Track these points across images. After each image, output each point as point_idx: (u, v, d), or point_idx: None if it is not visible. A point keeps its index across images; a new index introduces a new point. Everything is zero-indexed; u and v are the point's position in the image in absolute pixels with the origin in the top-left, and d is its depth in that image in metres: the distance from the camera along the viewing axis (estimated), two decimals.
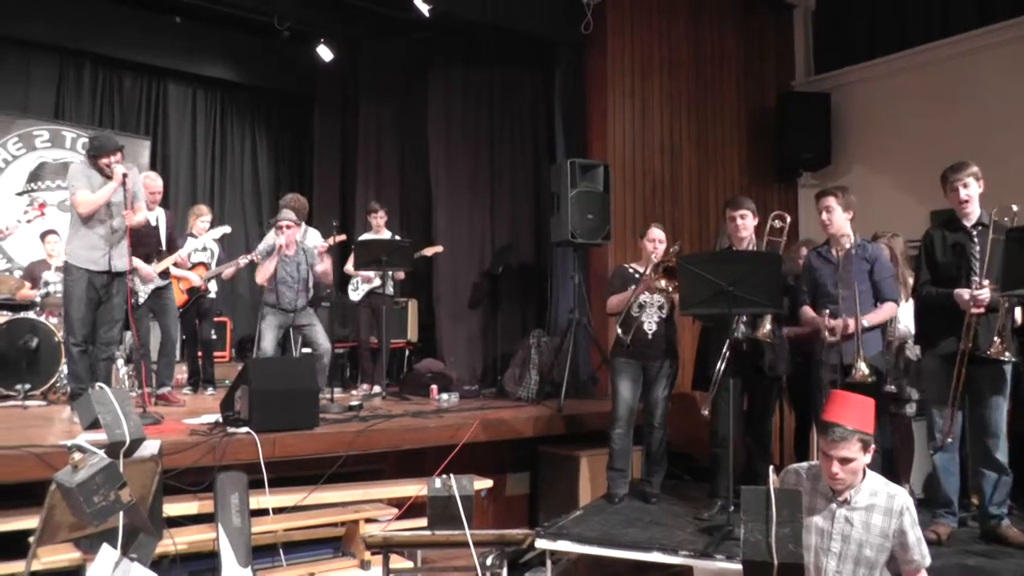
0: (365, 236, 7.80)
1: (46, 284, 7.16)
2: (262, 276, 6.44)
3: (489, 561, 4.22)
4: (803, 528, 2.77)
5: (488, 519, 6.01)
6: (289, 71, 10.36)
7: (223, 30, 9.99)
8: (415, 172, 9.34)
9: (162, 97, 10.34)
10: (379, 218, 7.82)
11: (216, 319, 8.06)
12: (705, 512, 4.80)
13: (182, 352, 7.47)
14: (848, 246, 4.57)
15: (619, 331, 5.15)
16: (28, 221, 7.04)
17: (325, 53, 9.42)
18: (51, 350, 6.63)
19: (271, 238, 6.73)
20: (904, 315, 5.06)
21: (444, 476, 3.91)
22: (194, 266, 7.12)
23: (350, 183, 9.85)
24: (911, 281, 4.80)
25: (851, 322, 4.39)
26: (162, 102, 10.34)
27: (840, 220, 4.64)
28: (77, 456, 2.90)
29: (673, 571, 4.46)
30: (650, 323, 5.17)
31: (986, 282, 4.09)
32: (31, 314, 6.87)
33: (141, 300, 6.33)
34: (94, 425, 3.39)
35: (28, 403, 6.29)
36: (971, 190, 4.25)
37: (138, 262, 5.97)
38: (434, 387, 7.26)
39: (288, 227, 6.47)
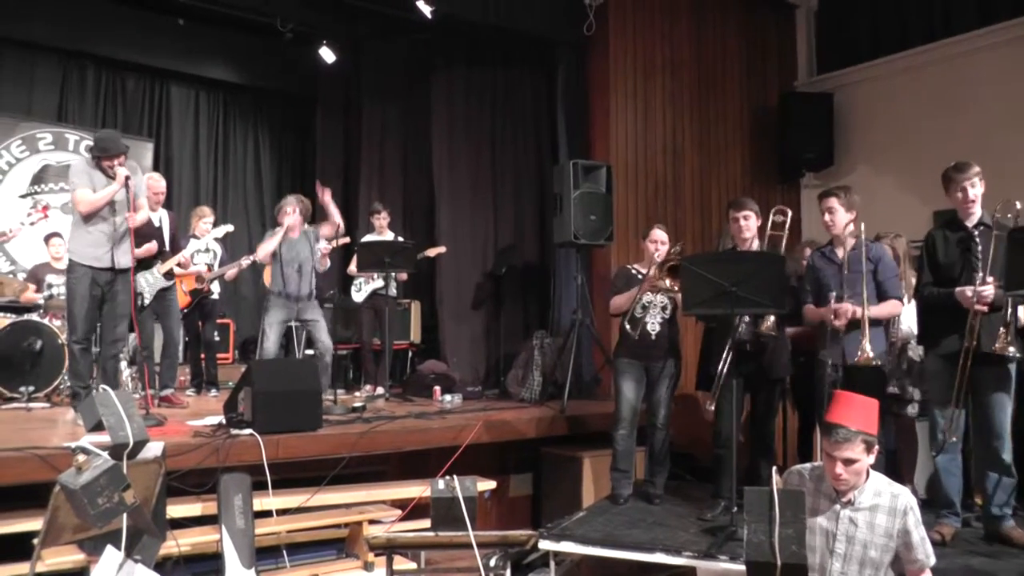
0: (368, 237, 7.81)
1: (50, 286, 7.18)
2: (263, 252, 6.47)
3: (492, 562, 4.22)
4: (807, 529, 2.77)
5: (491, 520, 6.00)
6: (291, 72, 10.38)
7: (225, 31, 10.01)
8: (418, 173, 9.34)
9: (165, 99, 10.39)
10: (382, 219, 7.83)
11: (219, 321, 8.08)
12: (708, 513, 4.79)
13: (185, 354, 7.48)
14: (852, 243, 4.56)
15: (627, 327, 5.15)
16: (32, 224, 7.04)
17: (327, 54, 9.42)
18: (55, 352, 6.64)
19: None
20: (907, 316, 5.05)
21: (447, 477, 3.92)
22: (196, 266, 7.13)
23: (353, 184, 9.85)
24: (914, 281, 4.79)
25: (857, 309, 4.37)
26: (165, 104, 10.39)
27: (843, 220, 4.64)
28: (81, 458, 2.90)
29: (676, 572, 4.45)
30: (653, 323, 5.17)
31: (990, 279, 4.08)
32: (35, 316, 6.88)
33: (146, 302, 6.35)
34: (98, 427, 3.39)
35: (32, 405, 6.29)
36: (977, 190, 4.24)
37: (138, 249, 5.93)
38: (437, 388, 7.27)
39: (293, 209, 6.48)
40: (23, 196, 9.01)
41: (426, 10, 7.64)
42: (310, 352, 6.82)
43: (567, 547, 4.46)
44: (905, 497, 3.07)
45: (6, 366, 6.50)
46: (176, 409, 6.09)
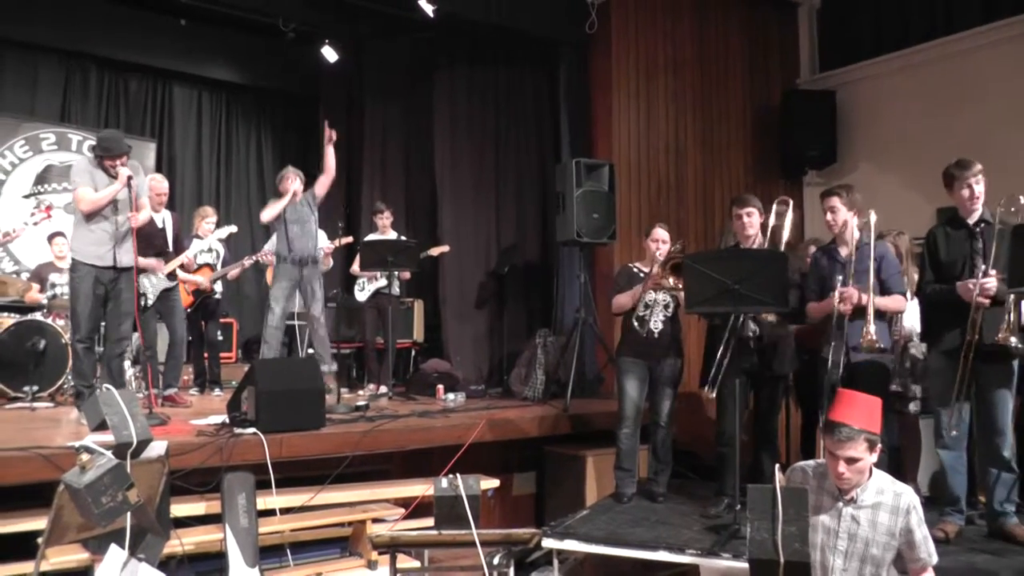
0: (371, 237, 7.82)
1: (53, 286, 7.20)
2: (269, 215, 6.56)
3: (496, 560, 4.23)
4: (809, 526, 2.77)
5: (495, 519, 6.01)
6: (294, 72, 10.39)
7: (228, 32, 10.02)
8: (420, 172, 9.34)
9: (167, 99, 10.40)
10: (384, 219, 7.83)
11: (222, 320, 8.08)
12: (712, 511, 4.79)
13: (188, 353, 7.49)
14: (857, 238, 4.56)
15: (636, 326, 5.15)
16: (35, 224, 7.05)
17: (330, 54, 9.43)
18: (58, 352, 6.65)
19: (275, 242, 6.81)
20: (909, 314, 5.05)
21: (450, 476, 3.92)
22: (200, 267, 7.14)
23: (355, 184, 9.85)
24: (916, 278, 4.79)
25: (863, 295, 4.37)
26: (167, 104, 10.40)
27: (844, 219, 4.63)
28: (85, 457, 2.92)
29: (680, 570, 4.46)
30: (656, 322, 5.17)
31: (992, 272, 4.07)
32: (38, 316, 6.90)
33: (150, 302, 6.36)
34: (101, 426, 3.40)
35: (36, 405, 6.31)
36: (981, 187, 4.23)
37: (144, 259, 6.00)
38: (440, 387, 7.27)
39: (294, 177, 6.61)
40: (26, 196, 9.02)
41: (428, 9, 7.64)
42: (312, 351, 6.83)
43: (570, 545, 4.46)
44: (908, 496, 3.06)
45: (10, 366, 6.51)
46: (180, 408, 6.10)
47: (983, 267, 4.13)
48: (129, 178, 5.30)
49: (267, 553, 4.60)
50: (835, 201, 4.64)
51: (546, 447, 6.35)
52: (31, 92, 9.35)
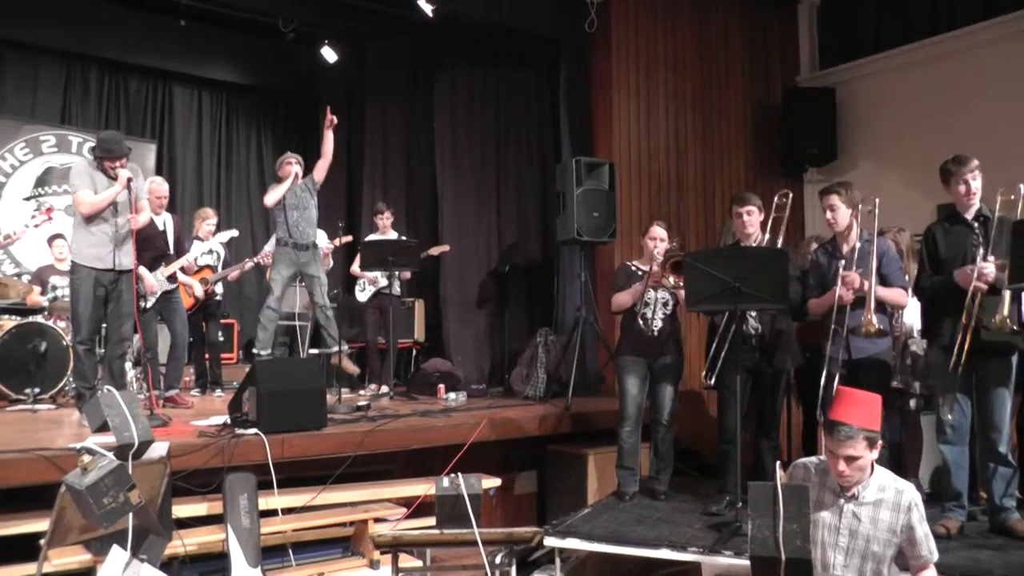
0: (371, 237, 7.82)
1: (54, 288, 7.21)
2: (272, 198, 6.56)
3: (498, 559, 4.23)
4: (811, 523, 2.77)
5: (497, 518, 6.02)
6: (294, 72, 10.40)
7: (227, 32, 10.03)
8: (421, 172, 9.35)
9: (167, 100, 10.40)
10: (385, 219, 7.83)
11: (223, 321, 8.10)
12: (714, 508, 4.79)
13: (189, 354, 7.49)
14: (857, 235, 4.56)
15: (641, 324, 5.16)
16: (36, 226, 7.06)
17: (329, 54, 9.44)
18: (60, 354, 6.66)
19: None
20: (909, 311, 5.05)
21: (452, 475, 3.92)
22: (200, 269, 7.14)
23: (356, 184, 9.87)
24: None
25: (865, 282, 4.37)
26: (167, 105, 10.40)
27: (844, 217, 4.63)
28: (86, 458, 2.92)
29: (682, 568, 4.46)
30: (655, 320, 5.18)
31: (991, 258, 4.07)
32: (39, 318, 6.91)
33: (150, 303, 6.36)
34: (103, 428, 3.41)
35: (37, 407, 6.32)
36: (978, 183, 4.24)
37: (143, 271, 6.03)
38: (441, 386, 7.28)
39: (295, 161, 6.67)
40: (27, 199, 9.03)
41: (427, 9, 7.65)
42: (314, 352, 6.85)
43: (572, 544, 4.47)
44: (910, 493, 3.06)
45: (11, 368, 6.52)
46: (181, 409, 6.11)
47: (982, 251, 4.13)
48: (129, 180, 5.30)
49: (269, 553, 4.60)
50: (834, 199, 4.63)
51: (548, 446, 6.35)
52: (31, 94, 9.36)
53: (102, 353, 5.91)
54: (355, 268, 7.91)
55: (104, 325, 5.69)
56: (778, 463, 3.02)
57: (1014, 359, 4.19)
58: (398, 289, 7.72)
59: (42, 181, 9.15)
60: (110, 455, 3.00)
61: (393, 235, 7.81)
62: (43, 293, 7.27)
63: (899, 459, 5.00)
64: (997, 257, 4.05)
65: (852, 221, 4.64)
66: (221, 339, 7.78)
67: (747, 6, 9.11)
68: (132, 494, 2.94)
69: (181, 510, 4.33)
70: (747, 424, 5.00)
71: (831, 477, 3.11)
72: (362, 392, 7.59)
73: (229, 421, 5.01)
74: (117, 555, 3.08)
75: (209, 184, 10.60)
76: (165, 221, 6.67)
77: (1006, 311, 3.93)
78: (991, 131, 7.36)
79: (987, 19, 7.82)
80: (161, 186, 6.70)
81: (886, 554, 3.04)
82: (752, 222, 4.94)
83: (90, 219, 5.34)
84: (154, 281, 6.33)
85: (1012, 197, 4.12)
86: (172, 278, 6.50)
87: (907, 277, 4.84)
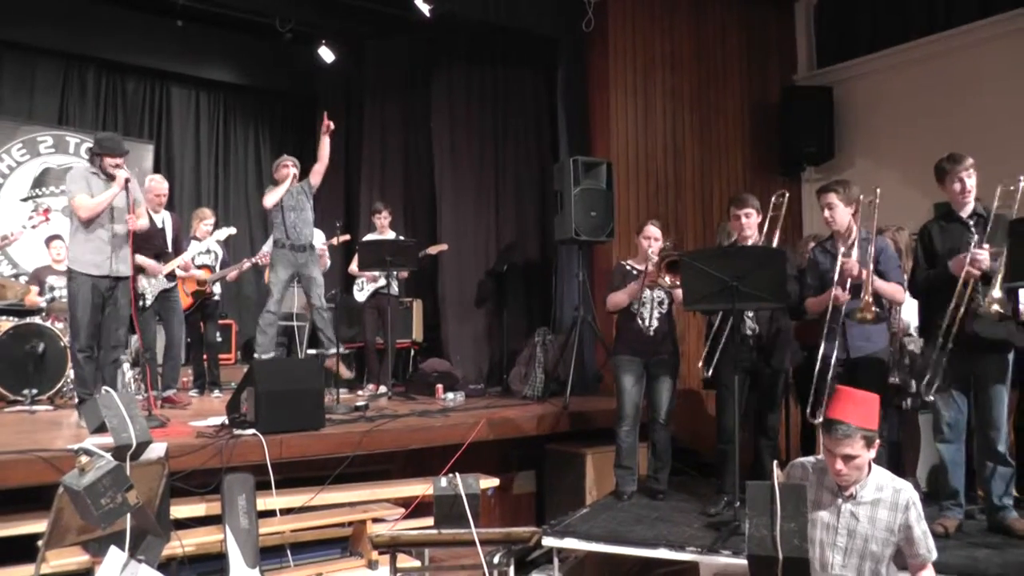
0: (369, 236, 7.82)
1: (51, 289, 7.21)
2: (271, 200, 6.64)
3: (496, 559, 4.24)
4: (809, 522, 2.77)
5: (495, 517, 6.02)
6: (292, 72, 10.39)
7: (225, 33, 10.02)
8: (419, 172, 9.35)
9: (165, 100, 10.39)
10: (383, 218, 7.83)
11: (221, 322, 8.10)
12: (712, 508, 4.79)
13: (187, 355, 7.49)
14: (855, 234, 4.57)
15: (641, 324, 5.16)
16: (33, 227, 7.05)
17: (327, 54, 9.44)
18: (57, 355, 6.66)
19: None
20: (905, 309, 5.05)
21: (450, 475, 3.92)
22: (198, 269, 7.13)
23: (354, 183, 9.87)
24: None
25: (864, 271, 4.37)
26: (165, 105, 10.39)
27: (843, 215, 4.63)
28: (84, 459, 2.92)
29: (680, 567, 4.46)
30: (651, 319, 5.18)
31: (986, 245, 4.07)
32: (37, 319, 6.90)
33: (148, 303, 6.36)
34: (101, 429, 3.41)
35: (35, 408, 6.31)
36: (973, 181, 4.24)
37: (144, 259, 6.03)
38: (440, 386, 7.27)
39: (291, 163, 6.76)
40: (24, 199, 9.02)
41: (424, 8, 7.65)
42: (312, 352, 6.85)
43: (571, 543, 4.47)
44: (907, 492, 3.06)
45: (9, 369, 6.52)
46: (179, 410, 6.10)
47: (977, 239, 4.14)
48: (127, 180, 5.30)
49: (267, 554, 4.60)
50: (832, 198, 4.63)
51: (546, 445, 6.35)
52: (28, 95, 9.35)
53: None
54: (353, 268, 7.91)
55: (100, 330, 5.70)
56: (775, 462, 3.02)
57: (1010, 355, 4.19)
58: (396, 289, 7.72)
59: (39, 182, 9.14)
60: (108, 456, 2.99)
61: (391, 235, 7.81)
62: (40, 294, 7.27)
63: (897, 458, 5.00)
64: (992, 246, 4.05)
65: (850, 220, 4.64)
66: (219, 339, 7.78)
67: (744, 5, 9.12)
68: (130, 495, 2.94)
69: (179, 511, 4.33)
70: (745, 424, 5.00)
71: (829, 476, 3.11)
72: (360, 392, 7.58)
73: (227, 422, 5.01)
74: (115, 556, 3.08)
75: (207, 184, 10.59)
76: (164, 220, 6.66)
77: (995, 295, 3.92)
78: (988, 129, 7.37)
79: (984, 18, 7.82)
80: (161, 184, 6.70)
81: (884, 553, 3.04)
82: (751, 224, 4.94)
83: (88, 224, 5.34)
84: (156, 284, 6.33)
85: (1012, 188, 4.12)
86: (171, 276, 6.50)
87: (905, 276, 4.84)
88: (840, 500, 3.09)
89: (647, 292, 5.18)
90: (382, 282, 7.66)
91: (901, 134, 8.42)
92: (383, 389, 7.34)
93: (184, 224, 7.28)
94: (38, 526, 3.79)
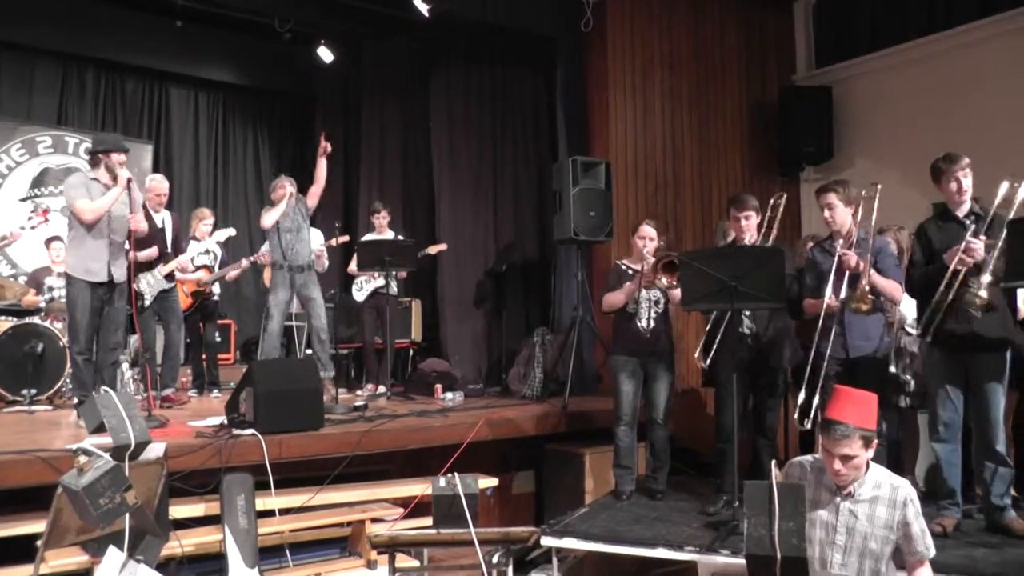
0: (368, 236, 7.82)
1: (50, 289, 7.21)
2: (269, 220, 6.60)
3: (495, 559, 4.23)
4: (807, 521, 2.77)
5: (494, 517, 6.02)
6: (291, 73, 10.40)
7: (224, 33, 10.02)
8: (418, 172, 9.35)
9: (164, 100, 10.40)
10: (382, 218, 7.83)
11: (220, 322, 8.10)
12: (711, 507, 4.80)
13: (187, 355, 7.49)
14: (854, 235, 4.57)
15: (634, 324, 5.16)
16: (32, 228, 7.06)
17: (325, 54, 9.45)
18: (56, 355, 6.65)
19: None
20: (903, 304, 5.05)
21: (449, 475, 3.92)
22: (197, 269, 7.13)
23: (353, 183, 9.87)
24: None
25: (862, 263, 4.38)
26: (164, 105, 10.40)
27: (843, 215, 4.63)
28: (83, 459, 2.91)
29: (679, 567, 4.46)
30: (647, 319, 5.18)
31: (982, 237, 4.08)
32: (36, 319, 6.90)
33: (147, 303, 6.36)
34: (100, 429, 3.41)
35: (34, 408, 6.31)
36: (969, 180, 4.25)
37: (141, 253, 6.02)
38: (439, 386, 7.27)
39: (288, 183, 6.68)
40: (23, 199, 9.02)
41: (423, 8, 7.65)
42: (311, 352, 6.84)
43: (570, 543, 4.48)
44: (905, 489, 3.07)
45: (8, 369, 6.51)
46: (177, 409, 6.10)
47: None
48: (129, 180, 5.33)
49: (266, 554, 4.60)
50: (832, 198, 4.63)
51: (545, 445, 6.35)
52: (27, 95, 9.36)
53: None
54: (352, 268, 7.91)
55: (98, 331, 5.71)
56: (773, 462, 3.02)
57: (1007, 354, 4.19)
58: (395, 289, 7.71)
59: (38, 182, 9.14)
60: (106, 456, 2.99)
61: (390, 235, 7.81)
62: (39, 294, 7.27)
63: (896, 457, 5.00)
64: (988, 238, 4.06)
65: (850, 220, 4.64)
66: (218, 339, 7.78)
67: (743, 5, 9.12)
68: (128, 495, 2.93)
69: (178, 511, 4.33)
70: (745, 423, 5.01)
71: (827, 475, 3.11)
72: (359, 392, 7.59)
73: (226, 422, 5.02)
74: (114, 556, 3.08)
75: (206, 184, 10.60)
76: (164, 219, 6.66)
77: (984, 279, 3.92)
78: (988, 128, 7.37)
79: (983, 17, 7.82)
80: (161, 184, 6.70)
81: (884, 551, 3.05)
82: (750, 226, 4.94)
83: (90, 228, 5.35)
84: (155, 284, 6.32)
85: (1017, 184, 4.12)
86: (169, 277, 6.50)
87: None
88: (839, 499, 3.09)
89: (643, 292, 5.18)
90: (381, 282, 7.66)
91: (900, 134, 8.42)
92: (382, 389, 7.33)
93: (183, 224, 7.29)
94: (37, 526, 3.79)
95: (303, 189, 6.84)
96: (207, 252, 7.31)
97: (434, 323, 8.81)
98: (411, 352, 8.68)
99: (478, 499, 3.90)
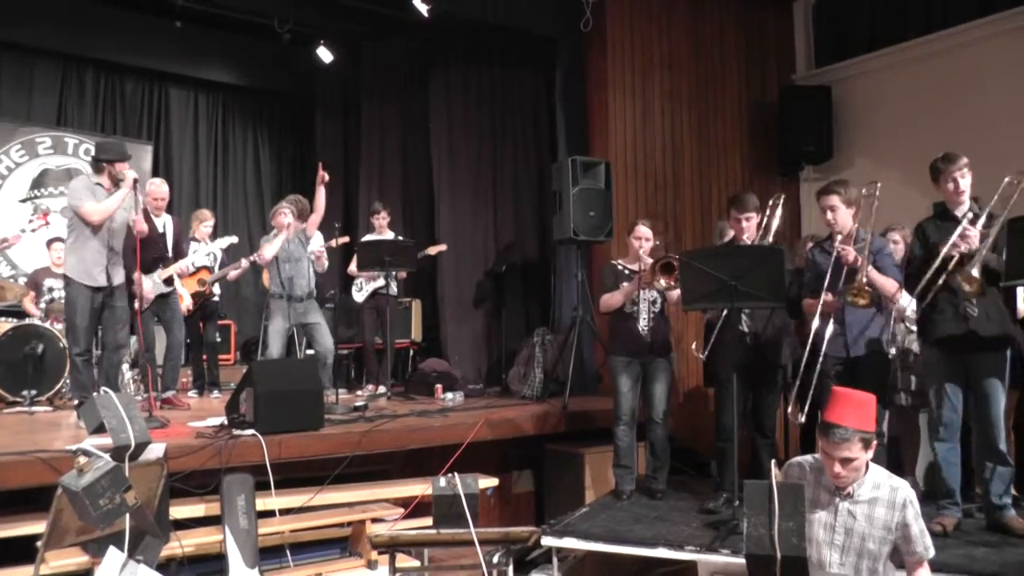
0: (368, 237, 7.82)
1: (50, 290, 7.21)
2: (269, 254, 6.58)
3: (495, 559, 4.23)
4: (807, 521, 2.77)
5: (494, 517, 6.02)
6: (290, 73, 10.39)
7: (223, 33, 10.02)
8: (417, 172, 9.35)
9: (164, 101, 10.39)
10: (382, 219, 7.84)
11: (221, 322, 8.09)
12: (711, 505, 4.80)
13: (187, 355, 7.49)
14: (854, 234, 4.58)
15: (631, 324, 5.17)
16: (32, 231, 7.05)
17: (325, 55, 9.44)
18: (56, 356, 6.65)
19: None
20: (905, 299, 5.05)
21: (449, 475, 3.92)
22: (197, 270, 7.13)
23: (352, 184, 9.87)
24: None
25: (860, 258, 4.38)
26: (164, 106, 10.39)
27: (845, 217, 4.63)
28: (82, 460, 2.92)
29: (679, 566, 4.46)
30: (645, 319, 5.19)
31: (980, 224, 4.08)
32: (36, 321, 6.90)
33: (147, 304, 6.35)
34: (99, 429, 3.41)
35: (34, 409, 6.31)
36: (967, 180, 4.26)
37: (144, 281, 6.04)
38: (439, 386, 7.27)
39: (287, 212, 6.68)
40: (23, 201, 9.02)
41: (423, 9, 7.64)
42: (311, 352, 6.84)
43: (570, 543, 4.48)
44: (904, 491, 3.07)
45: (8, 370, 6.51)
46: (178, 411, 6.10)
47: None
48: (135, 180, 5.34)
49: (267, 554, 4.61)
50: (835, 200, 4.62)
51: (545, 445, 6.36)
52: (27, 95, 9.35)
53: (99, 355, 5.91)
54: (352, 268, 7.91)
55: (100, 331, 5.71)
56: (773, 461, 3.02)
57: (1007, 352, 4.20)
58: (395, 289, 7.72)
59: (38, 183, 9.14)
60: (106, 457, 2.99)
61: (390, 235, 7.82)
62: (38, 298, 7.27)
63: (897, 456, 5.01)
64: (983, 228, 4.07)
65: (851, 220, 4.65)
66: (219, 340, 7.78)
67: (743, 5, 9.11)
68: (128, 495, 2.94)
69: (179, 511, 4.33)
70: (745, 423, 5.01)
71: (826, 476, 3.11)
72: (359, 392, 7.59)
73: (226, 422, 5.02)
74: (114, 556, 3.08)
75: (206, 185, 10.59)
76: (165, 223, 6.65)
77: (973, 272, 3.93)
78: (987, 128, 7.36)
79: (983, 16, 7.81)
80: (160, 187, 6.69)
81: (882, 551, 3.05)
82: (751, 227, 4.94)
83: (93, 232, 5.37)
84: (150, 286, 6.32)
85: (1016, 182, 4.12)
86: (169, 281, 6.49)
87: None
88: (838, 499, 3.09)
89: (641, 292, 5.18)
90: (381, 282, 7.66)
91: (900, 133, 8.41)
92: (382, 389, 7.34)
93: (183, 226, 7.29)
94: (37, 527, 3.79)
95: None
96: (208, 254, 7.30)
97: (434, 323, 8.81)
98: (411, 352, 8.68)
99: (478, 499, 3.90)
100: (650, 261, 5.04)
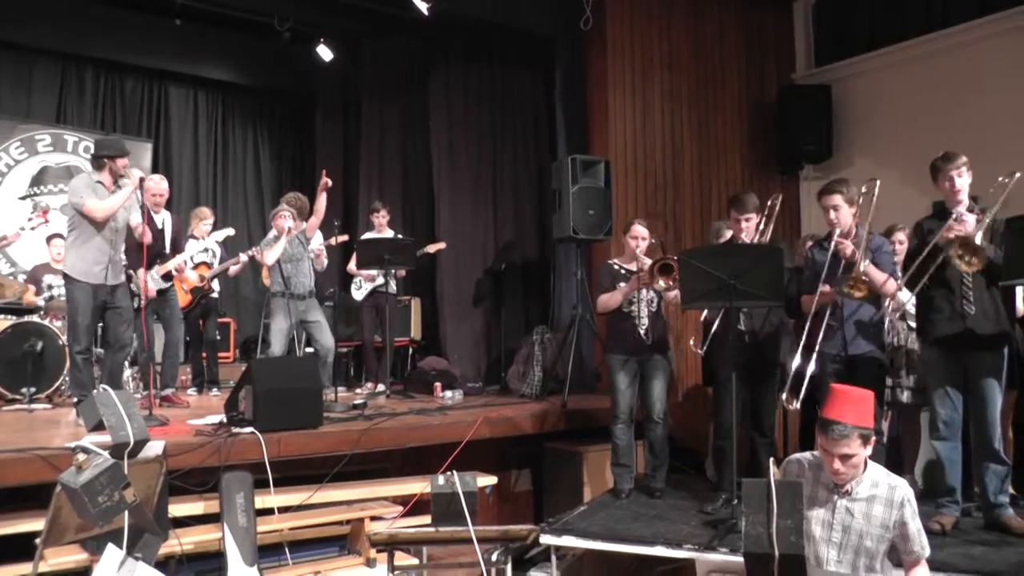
0: (368, 235, 7.82)
1: (49, 287, 7.21)
2: (272, 258, 6.56)
3: (494, 557, 4.23)
4: (805, 519, 2.77)
5: (493, 515, 6.02)
6: (290, 72, 10.39)
7: (223, 32, 10.02)
8: (417, 170, 9.36)
9: (163, 100, 10.39)
10: (381, 217, 7.84)
11: (220, 320, 8.09)
12: (709, 506, 4.80)
13: (186, 353, 7.49)
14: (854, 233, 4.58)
15: (629, 324, 5.17)
16: (32, 228, 7.05)
17: (325, 53, 9.44)
18: (56, 353, 6.65)
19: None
20: (903, 293, 5.05)
21: (448, 473, 3.92)
22: (196, 266, 7.13)
23: (352, 182, 9.87)
24: None
25: (856, 252, 4.39)
26: (163, 105, 10.39)
27: (847, 216, 4.63)
28: (81, 457, 2.92)
29: (678, 564, 4.46)
30: (643, 318, 5.19)
31: (977, 211, 4.09)
32: (35, 318, 6.90)
33: (143, 303, 6.35)
34: (99, 427, 3.41)
35: (34, 406, 6.31)
36: (964, 179, 4.28)
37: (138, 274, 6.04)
38: (438, 385, 7.28)
39: (288, 214, 6.67)
40: (22, 198, 9.03)
41: (423, 7, 7.64)
42: (311, 350, 6.85)
43: (569, 541, 4.48)
44: (902, 489, 3.07)
45: (7, 367, 6.51)
46: (177, 408, 6.10)
47: None
48: (141, 179, 5.35)
49: (266, 552, 4.61)
50: (838, 199, 4.61)
51: (544, 444, 6.36)
52: (26, 93, 9.35)
53: (100, 353, 5.91)
54: (351, 266, 7.91)
55: (101, 329, 5.71)
56: (771, 459, 3.02)
57: (1004, 351, 4.21)
58: (394, 287, 7.72)
59: (37, 180, 9.14)
60: (105, 454, 3.00)
61: (389, 233, 7.82)
62: (38, 293, 7.26)
63: (897, 455, 5.01)
64: (978, 215, 4.08)
65: (852, 218, 4.65)
66: (218, 338, 7.78)
67: (742, 4, 9.11)
68: (127, 492, 2.94)
69: (178, 509, 4.33)
70: (744, 421, 5.01)
71: (825, 473, 3.12)
72: (358, 391, 7.60)
73: (225, 420, 5.02)
74: (112, 554, 3.08)
75: (205, 183, 10.59)
76: (164, 220, 6.65)
77: (979, 234, 3.94)
78: (987, 127, 7.37)
79: (983, 16, 7.82)
80: (160, 184, 6.68)
81: (879, 549, 3.05)
82: (750, 228, 4.94)
83: (97, 229, 5.37)
84: (152, 284, 6.32)
85: (1006, 180, 4.13)
86: (167, 276, 6.49)
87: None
88: (836, 496, 3.10)
89: (638, 291, 5.18)
90: (380, 281, 7.66)
91: (900, 132, 8.41)
92: (381, 387, 7.34)
93: (183, 223, 7.29)
94: (36, 524, 3.79)
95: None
96: (206, 251, 7.31)
97: (433, 322, 8.81)
98: (410, 350, 8.69)
99: (477, 497, 3.90)
100: (647, 261, 5.03)
